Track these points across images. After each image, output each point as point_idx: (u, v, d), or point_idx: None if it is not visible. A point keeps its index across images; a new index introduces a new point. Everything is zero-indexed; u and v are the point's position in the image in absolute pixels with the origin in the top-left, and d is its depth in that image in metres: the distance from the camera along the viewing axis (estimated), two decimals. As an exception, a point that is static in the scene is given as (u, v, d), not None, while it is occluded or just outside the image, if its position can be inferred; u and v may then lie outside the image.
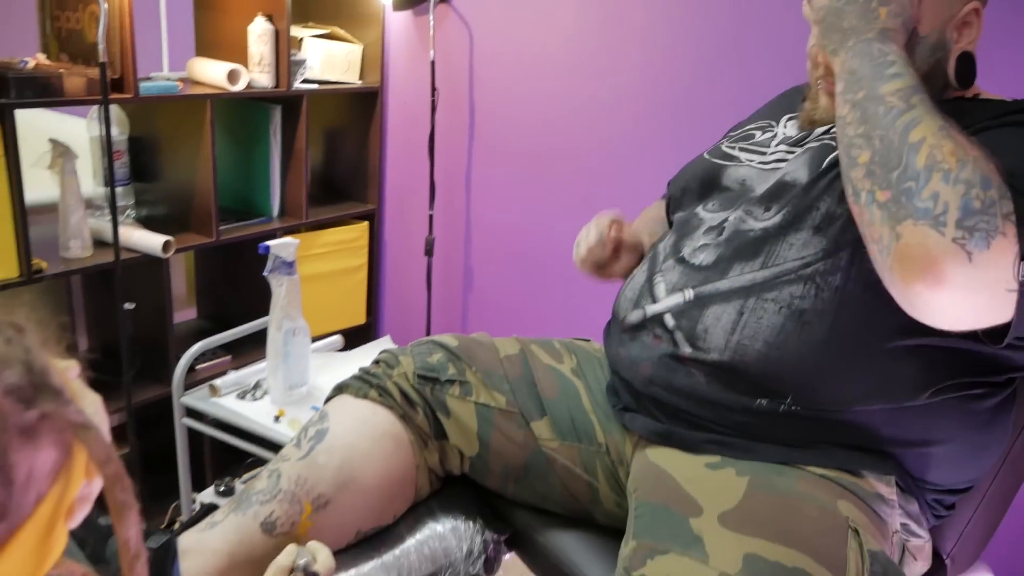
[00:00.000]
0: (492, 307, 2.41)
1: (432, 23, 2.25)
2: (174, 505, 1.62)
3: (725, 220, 0.99)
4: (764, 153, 1.05)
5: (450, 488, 1.12)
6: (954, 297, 0.72)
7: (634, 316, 1.01)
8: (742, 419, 0.91)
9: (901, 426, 0.89)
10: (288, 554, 0.92)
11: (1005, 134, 0.84)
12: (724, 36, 1.82)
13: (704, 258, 0.97)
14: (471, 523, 1.08)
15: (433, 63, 2.28)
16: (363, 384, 1.09)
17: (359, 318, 2.59)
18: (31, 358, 0.49)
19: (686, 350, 0.94)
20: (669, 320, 0.96)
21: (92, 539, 0.99)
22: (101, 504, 0.97)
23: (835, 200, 0.89)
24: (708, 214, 1.03)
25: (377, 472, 1.04)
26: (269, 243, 1.39)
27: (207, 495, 1.52)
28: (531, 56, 2.17)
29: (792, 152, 1.00)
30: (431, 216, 2.39)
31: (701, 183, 1.08)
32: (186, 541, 0.98)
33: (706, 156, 1.11)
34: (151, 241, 1.93)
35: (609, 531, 1.05)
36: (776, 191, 0.96)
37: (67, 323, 1.87)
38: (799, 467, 0.89)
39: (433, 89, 2.30)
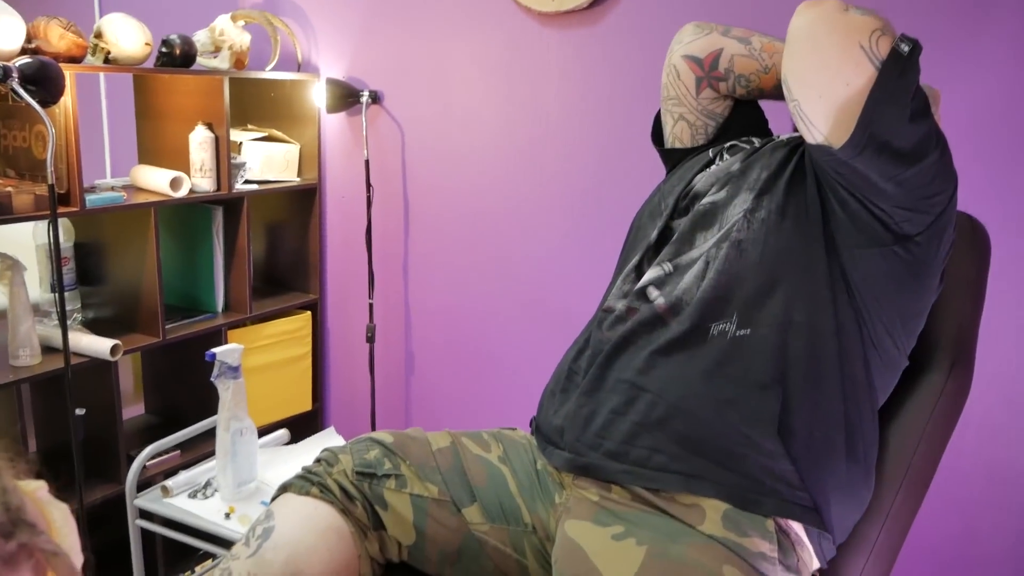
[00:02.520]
0: (431, 390, 2.52)
1: (364, 123, 2.39)
2: (128, 605, 1.67)
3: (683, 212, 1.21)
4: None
5: (391, 575, 1.21)
6: (815, 21, 0.98)
7: (620, 303, 1.17)
8: (658, 438, 1.05)
9: (798, 457, 1.04)
10: None
11: None
12: (633, 130, 1.99)
13: (676, 237, 1.17)
14: (410, 607, 1.17)
15: (367, 161, 2.41)
16: (305, 482, 1.18)
17: (305, 405, 2.66)
18: (8, 497, 0.59)
19: (662, 302, 1.11)
20: (652, 291, 1.14)
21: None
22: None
23: (765, 165, 1.14)
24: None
25: (322, 563, 1.12)
26: (215, 350, 1.48)
27: (160, 593, 1.57)
28: (459, 152, 2.32)
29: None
30: (371, 304, 2.50)
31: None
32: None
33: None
34: (99, 346, 2.00)
35: (538, 606, 1.15)
36: (724, 179, 1.18)
37: (18, 430, 1.92)
38: (692, 529, 1.01)
39: (368, 185, 2.43)
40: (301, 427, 2.52)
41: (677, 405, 1.06)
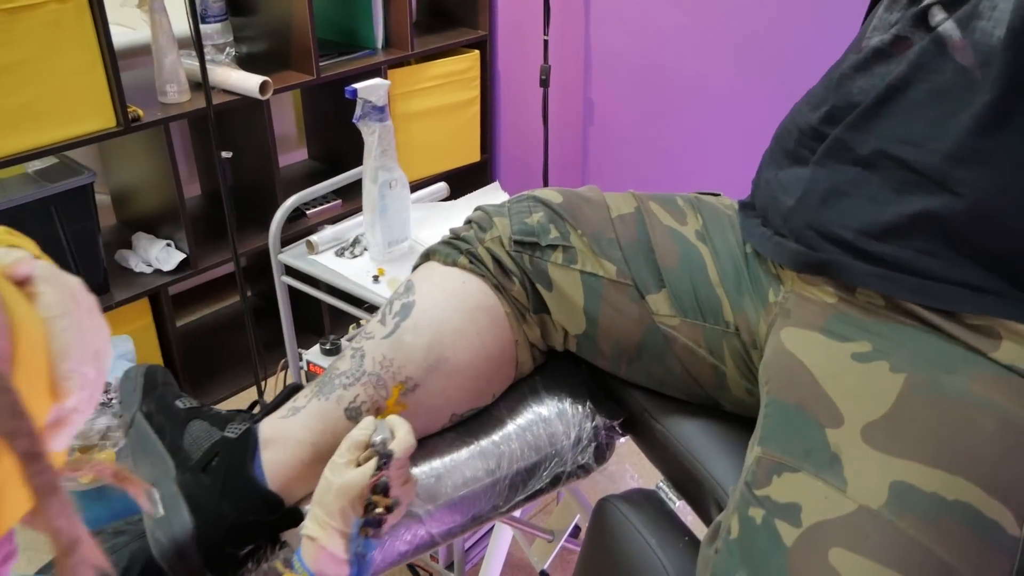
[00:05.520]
0: (614, 144, 2.20)
1: None
2: (282, 362, 1.59)
3: None
4: None
5: (555, 363, 1.00)
6: None
7: (881, 37, 0.78)
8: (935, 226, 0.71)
9: None
10: (364, 428, 0.82)
11: None
12: None
13: None
14: (579, 406, 0.96)
15: None
16: (452, 250, 0.95)
17: (473, 156, 2.44)
18: None
19: (956, 35, 0.70)
20: (936, 14, 0.72)
21: (169, 425, 0.93)
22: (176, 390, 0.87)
23: None
24: None
25: (470, 350, 0.92)
26: (356, 86, 1.23)
27: (312, 353, 1.46)
28: None
29: None
30: (546, 42, 2.15)
31: None
32: (267, 430, 0.90)
33: None
34: (248, 83, 1.82)
35: (738, 420, 0.91)
36: None
37: (170, 172, 1.81)
38: (979, 355, 0.70)
39: None
40: (468, 180, 2.32)
41: (975, 202, 0.69)
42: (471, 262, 0.94)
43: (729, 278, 0.89)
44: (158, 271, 1.95)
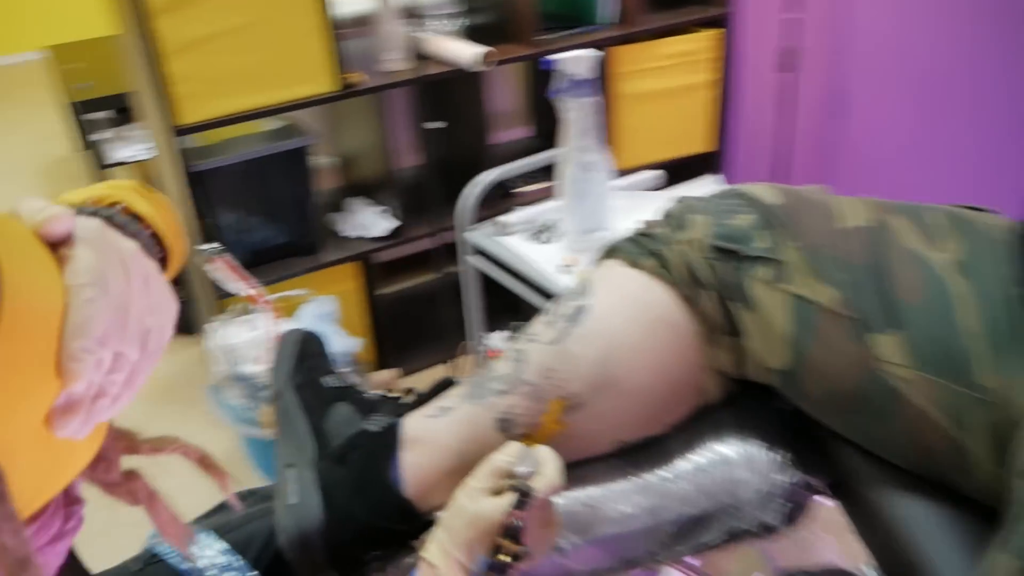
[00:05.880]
0: (864, 142, 1.93)
1: None
2: (461, 345, 1.51)
3: None
4: None
5: (749, 398, 0.83)
6: None
7: None
8: None
9: None
10: (507, 455, 0.71)
11: None
12: None
13: None
14: (773, 454, 0.79)
15: None
16: (638, 248, 0.81)
17: (704, 144, 2.25)
18: None
19: None
20: None
21: (316, 403, 0.87)
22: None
23: None
24: None
25: (647, 370, 0.78)
26: (555, 57, 1.12)
27: (496, 338, 1.38)
28: None
29: None
30: (795, 21, 1.92)
31: None
32: (412, 427, 0.82)
33: None
34: (466, 53, 1.76)
35: (980, 506, 0.70)
36: None
37: (380, 141, 1.80)
38: None
39: None
40: (695, 171, 2.14)
41: None
42: (659, 266, 0.79)
43: (992, 327, 0.68)
44: (370, 237, 1.96)
